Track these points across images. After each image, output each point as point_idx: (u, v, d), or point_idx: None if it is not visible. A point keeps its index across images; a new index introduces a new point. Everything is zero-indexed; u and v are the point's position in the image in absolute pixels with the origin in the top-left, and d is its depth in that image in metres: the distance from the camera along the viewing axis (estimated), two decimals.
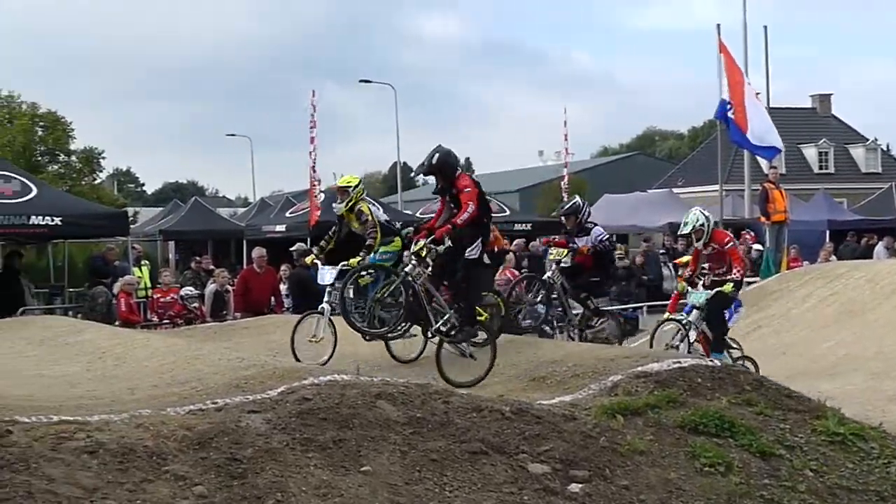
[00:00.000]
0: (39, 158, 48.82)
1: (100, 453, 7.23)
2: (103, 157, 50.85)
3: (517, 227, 32.95)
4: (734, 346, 13.77)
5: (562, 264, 13.87)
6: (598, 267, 13.99)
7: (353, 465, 7.68)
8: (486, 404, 8.68)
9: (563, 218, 14.36)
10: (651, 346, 13.08)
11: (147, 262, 25.09)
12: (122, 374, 10.59)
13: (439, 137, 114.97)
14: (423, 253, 10.49)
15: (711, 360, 12.51)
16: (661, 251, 26.06)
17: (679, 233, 14.32)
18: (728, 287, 13.02)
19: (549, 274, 13.92)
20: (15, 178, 21.79)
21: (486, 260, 11.86)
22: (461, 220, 10.34)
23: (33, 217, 20.60)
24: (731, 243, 13.44)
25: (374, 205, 12.67)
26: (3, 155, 33.85)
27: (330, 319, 11.52)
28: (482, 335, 10.86)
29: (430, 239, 10.47)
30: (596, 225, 14.26)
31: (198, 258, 27.79)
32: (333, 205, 12.71)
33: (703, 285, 13.31)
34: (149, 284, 23.70)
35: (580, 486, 7.93)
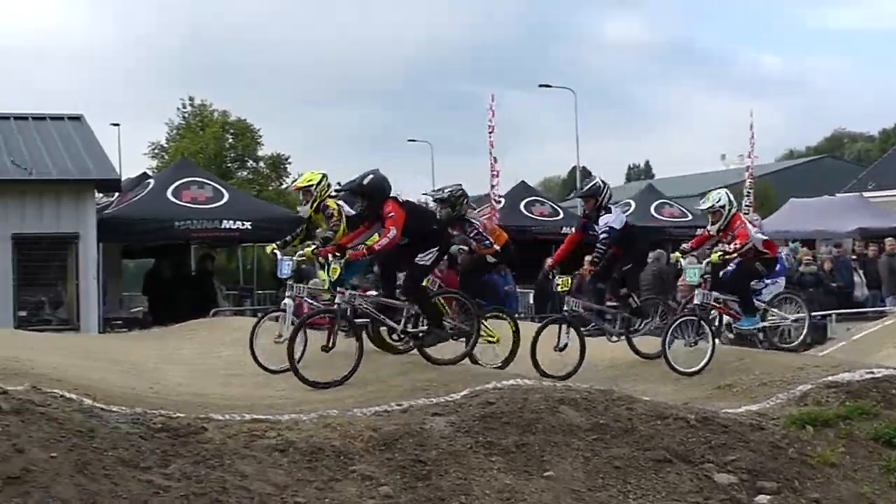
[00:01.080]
0: (229, 164, 50.64)
1: (290, 451, 7.44)
2: (289, 163, 52.36)
3: (699, 231, 32.26)
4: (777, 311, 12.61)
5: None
6: (628, 253, 12.32)
7: (535, 470, 7.68)
8: (670, 412, 8.55)
9: (583, 201, 12.94)
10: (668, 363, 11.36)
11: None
12: None
13: (619, 141, 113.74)
14: (335, 276, 10.49)
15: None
16: (853, 257, 25.07)
17: (699, 207, 13.31)
18: (715, 256, 11.71)
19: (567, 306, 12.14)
20: (208, 184, 22.62)
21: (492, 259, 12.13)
22: (379, 245, 10.19)
23: (225, 221, 21.37)
24: (742, 226, 12.04)
25: (340, 201, 11.73)
26: (196, 161, 35.16)
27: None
28: (453, 332, 10.91)
29: (343, 261, 10.34)
30: (609, 212, 12.33)
31: None
32: (298, 208, 11.86)
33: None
34: None
35: (768, 497, 7.74)
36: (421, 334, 10.63)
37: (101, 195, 22.93)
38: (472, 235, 11.97)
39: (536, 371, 10.96)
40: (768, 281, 13.52)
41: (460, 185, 12.22)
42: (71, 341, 14.56)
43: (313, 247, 11.08)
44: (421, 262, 10.50)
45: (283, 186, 50.99)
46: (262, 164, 52.31)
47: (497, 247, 12.09)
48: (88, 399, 7.61)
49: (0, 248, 20.12)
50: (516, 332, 11.58)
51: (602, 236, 12.00)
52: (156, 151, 52.35)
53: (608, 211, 12.27)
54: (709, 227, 12.24)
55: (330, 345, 10.10)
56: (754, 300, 12.27)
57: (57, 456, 6.82)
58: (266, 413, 8.17)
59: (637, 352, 12.18)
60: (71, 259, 20.15)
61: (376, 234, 10.26)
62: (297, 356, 9.94)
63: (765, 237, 12.77)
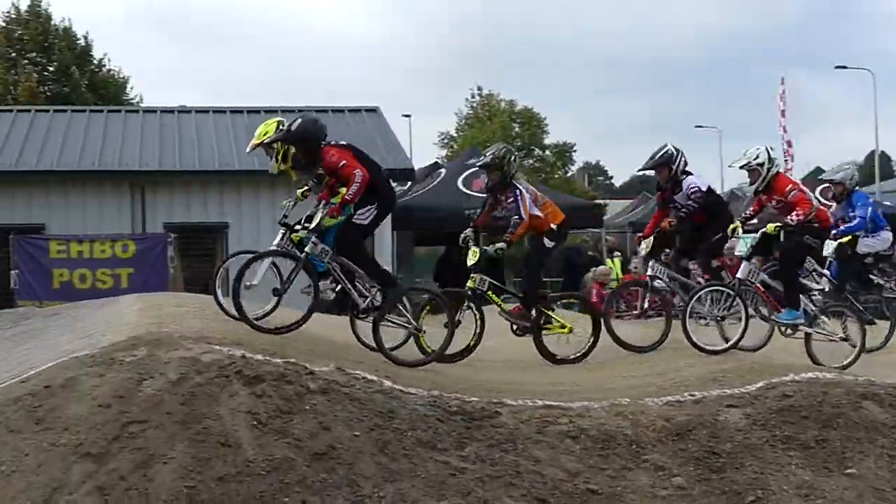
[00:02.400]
0: (516, 153, 51.27)
1: (581, 438, 7.46)
2: (574, 151, 52.55)
3: None
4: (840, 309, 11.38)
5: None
6: (714, 221, 11.22)
7: (836, 467, 7.38)
8: None
9: (654, 172, 11.94)
10: (686, 332, 10.35)
11: (619, 253, 25.51)
12: (601, 363, 10.85)
13: None
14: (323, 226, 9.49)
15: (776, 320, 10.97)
16: None
17: (729, 164, 12.11)
18: (771, 227, 10.58)
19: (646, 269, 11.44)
20: None
21: (549, 242, 10.98)
22: (350, 194, 9.30)
23: None
24: (795, 190, 10.76)
25: None
26: (482, 150, 35.83)
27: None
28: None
29: (320, 218, 9.41)
30: (689, 174, 11.40)
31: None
32: (269, 165, 10.38)
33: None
34: (620, 275, 24.13)
35: None
36: (375, 307, 9.59)
37: (394, 184, 23.74)
38: (508, 202, 10.83)
39: (618, 343, 10.82)
40: (872, 236, 12.74)
41: (504, 144, 11.38)
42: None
43: (304, 188, 9.92)
44: (357, 222, 9.49)
45: (568, 174, 51.17)
46: (547, 152, 52.72)
47: (553, 224, 10.97)
48: (388, 381, 7.89)
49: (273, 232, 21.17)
50: (595, 321, 11.04)
51: (692, 194, 11.20)
52: (445, 141, 53.78)
53: (690, 174, 11.43)
54: (755, 186, 10.99)
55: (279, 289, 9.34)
56: (801, 296, 10.81)
57: (360, 435, 7.12)
58: (557, 399, 8.22)
59: (727, 339, 10.87)
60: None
61: (342, 189, 9.36)
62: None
63: (819, 205, 11.11)
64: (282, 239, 9.53)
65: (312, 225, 9.38)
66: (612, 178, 76.62)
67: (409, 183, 24.20)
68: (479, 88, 53.15)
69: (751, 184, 10.96)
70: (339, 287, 9.68)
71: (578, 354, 10.93)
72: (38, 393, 7.17)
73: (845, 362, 10.53)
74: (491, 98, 52.71)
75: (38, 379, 7.42)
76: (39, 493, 6.52)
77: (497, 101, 52.59)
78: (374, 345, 9.58)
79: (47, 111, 25.66)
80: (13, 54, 40.78)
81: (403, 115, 48.86)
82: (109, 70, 42.57)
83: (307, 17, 77.50)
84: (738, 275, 10.63)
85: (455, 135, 53.45)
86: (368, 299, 9.56)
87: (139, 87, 48.05)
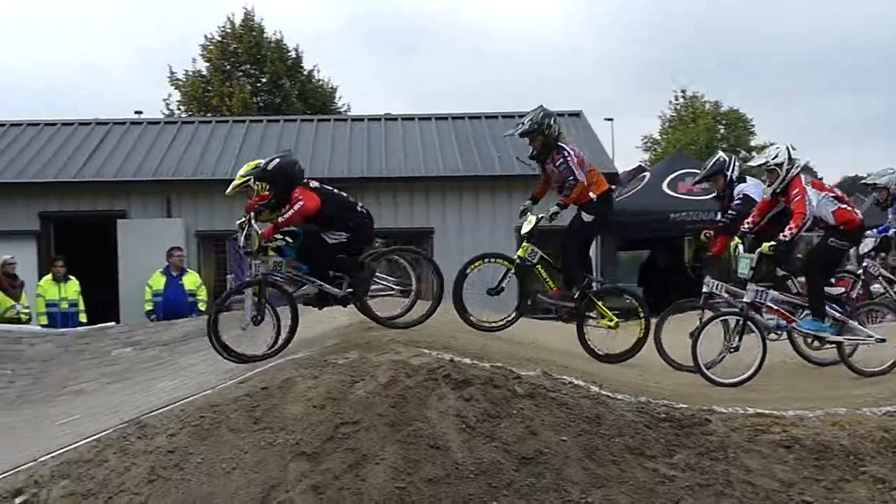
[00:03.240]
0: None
1: (795, 448, 7.25)
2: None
3: None
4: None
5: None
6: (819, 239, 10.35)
7: None
8: None
9: (708, 182, 11.53)
10: (698, 368, 9.71)
11: None
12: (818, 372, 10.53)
13: None
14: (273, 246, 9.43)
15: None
16: None
17: (755, 162, 11.08)
18: (765, 247, 9.75)
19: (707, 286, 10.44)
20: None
21: (587, 217, 10.34)
22: (283, 218, 9.22)
23: (719, 213, 21.14)
24: (798, 196, 9.84)
25: None
26: (688, 153, 35.23)
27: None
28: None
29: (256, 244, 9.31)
30: (743, 181, 10.89)
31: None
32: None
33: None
34: None
35: None
36: (351, 291, 9.46)
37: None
38: (558, 165, 10.28)
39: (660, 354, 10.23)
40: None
41: (541, 107, 10.53)
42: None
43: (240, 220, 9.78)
44: (325, 238, 9.38)
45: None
46: (754, 153, 51.40)
47: (593, 195, 10.35)
48: (595, 386, 7.86)
49: (506, 237, 21.40)
50: (644, 320, 10.41)
51: (735, 203, 10.65)
52: (648, 144, 53.15)
53: (743, 181, 10.86)
54: (767, 192, 10.27)
55: (255, 316, 9.21)
56: (827, 304, 9.97)
57: (567, 440, 7.12)
58: (768, 407, 8.00)
59: (801, 352, 10.37)
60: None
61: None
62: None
63: (838, 206, 10.11)
64: (250, 269, 9.58)
65: (254, 250, 9.33)
66: (821, 179, 74.30)
67: (613, 187, 24.03)
68: (683, 91, 52.38)
69: (768, 185, 10.19)
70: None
71: (622, 352, 10.40)
72: (255, 394, 7.46)
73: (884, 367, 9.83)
74: (695, 100, 51.81)
75: (256, 380, 7.73)
76: (258, 490, 6.79)
77: (701, 102, 51.66)
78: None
79: (260, 121, 26.64)
80: (228, 67, 42.49)
81: (606, 119, 48.62)
82: (318, 80, 43.87)
83: (508, 22, 77.91)
84: (745, 299, 9.94)
85: (658, 137, 52.80)
86: (342, 292, 9.43)
87: (347, 97, 49.37)
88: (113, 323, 16.40)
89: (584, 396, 7.59)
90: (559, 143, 10.25)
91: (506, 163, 22.79)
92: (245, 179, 9.67)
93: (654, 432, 7.33)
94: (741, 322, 9.82)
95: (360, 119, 26.55)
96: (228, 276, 20.31)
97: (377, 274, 9.57)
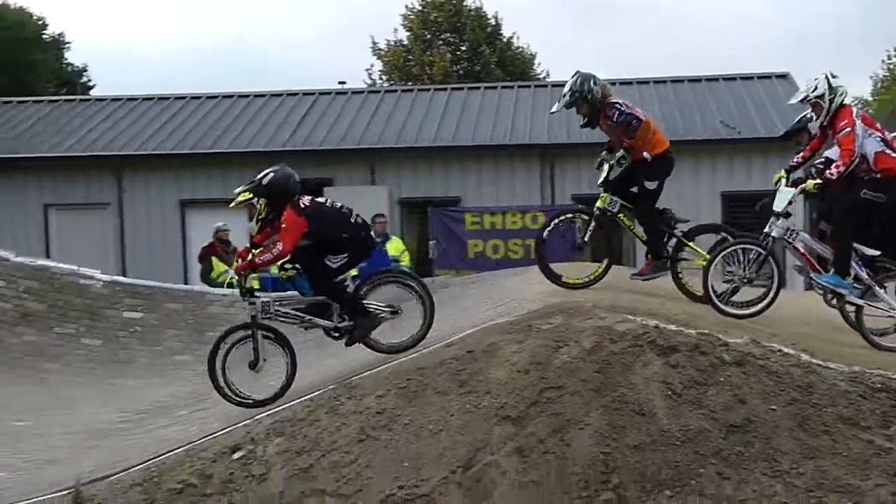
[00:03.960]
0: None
1: None
2: None
3: None
4: None
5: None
6: (853, 189, 9.17)
7: None
8: None
9: (791, 139, 10.49)
10: (707, 292, 9.03)
11: None
12: None
13: None
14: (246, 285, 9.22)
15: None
16: None
17: (790, 100, 9.71)
18: (810, 184, 8.95)
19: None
20: None
21: (650, 184, 9.51)
22: (261, 260, 8.99)
23: None
24: (846, 130, 8.86)
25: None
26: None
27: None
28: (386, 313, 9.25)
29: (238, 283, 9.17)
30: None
31: None
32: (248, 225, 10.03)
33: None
34: None
35: None
36: (349, 329, 9.18)
37: None
38: (616, 119, 9.54)
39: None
40: None
41: (577, 73, 9.79)
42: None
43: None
44: (329, 264, 9.13)
45: None
46: None
47: (647, 154, 9.55)
48: (806, 355, 7.63)
49: (710, 203, 20.98)
50: None
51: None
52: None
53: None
54: (813, 124, 9.49)
55: (251, 361, 8.91)
56: (852, 261, 9.01)
57: (776, 409, 6.95)
58: None
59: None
60: None
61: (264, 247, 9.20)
62: None
63: (883, 149, 9.07)
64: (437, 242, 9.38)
65: (245, 290, 9.21)
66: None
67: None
68: None
69: (815, 120, 9.40)
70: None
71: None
72: (461, 357, 7.56)
73: None
74: None
75: (462, 344, 7.82)
76: (464, 452, 6.90)
77: None
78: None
79: (461, 89, 26.87)
80: (428, 36, 42.98)
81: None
82: (517, 47, 43.87)
83: None
84: (773, 233, 9.19)
85: (870, 98, 50.60)
86: (334, 324, 9.22)
87: (546, 63, 49.23)
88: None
89: (795, 365, 7.37)
90: (608, 101, 9.69)
91: (710, 126, 22.34)
92: (249, 197, 9.42)
93: (869, 403, 7.08)
94: (762, 256, 9.15)
95: (560, 84, 26.44)
96: (430, 242, 20.66)
97: (367, 300, 9.37)
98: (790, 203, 9.15)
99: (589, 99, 9.59)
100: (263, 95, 25.82)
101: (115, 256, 22.33)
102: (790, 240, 9.26)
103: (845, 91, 9.19)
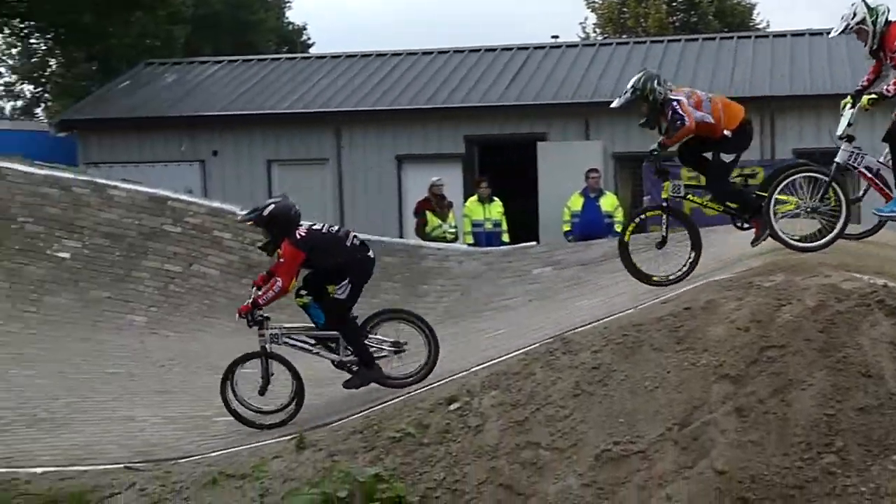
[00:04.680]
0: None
1: None
2: None
3: None
4: None
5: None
6: None
7: None
8: None
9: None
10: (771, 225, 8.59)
11: None
12: None
13: None
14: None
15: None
16: None
17: (831, 33, 9.14)
18: (865, 100, 8.47)
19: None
20: None
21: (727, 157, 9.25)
22: (263, 299, 9.08)
23: None
24: None
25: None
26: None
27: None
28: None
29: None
30: None
31: None
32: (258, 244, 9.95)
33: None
34: None
35: None
36: (350, 370, 9.29)
37: None
38: (671, 119, 9.17)
39: None
40: None
41: (642, 71, 9.54)
42: None
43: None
44: (337, 297, 9.19)
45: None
46: None
47: (727, 131, 9.19)
48: None
49: None
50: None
51: None
52: None
53: None
54: (866, 50, 8.87)
55: (261, 388, 9.10)
56: None
57: None
58: None
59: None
60: None
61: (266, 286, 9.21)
62: None
63: None
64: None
65: (253, 321, 9.24)
66: None
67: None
68: None
69: (864, 46, 8.87)
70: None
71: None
72: (678, 314, 7.43)
73: None
74: None
75: (679, 300, 7.70)
76: (680, 410, 6.80)
77: None
78: None
79: (678, 41, 26.30)
80: None
81: None
82: None
83: None
84: (837, 158, 8.72)
85: None
86: (340, 358, 9.32)
87: (765, 13, 47.54)
88: (534, 243, 16.91)
89: None
90: (669, 97, 9.34)
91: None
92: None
93: None
94: (825, 184, 8.69)
95: (781, 35, 25.54)
96: (645, 198, 20.36)
97: (371, 336, 9.44)
98: (850, 125, 8.79)
99: (650, 99, 9.36)
100: (478, 50, 25.93)
101: (334, 210, 22.93)
102: (855, 164, 8.87)
103: (887, 8, 8.79)
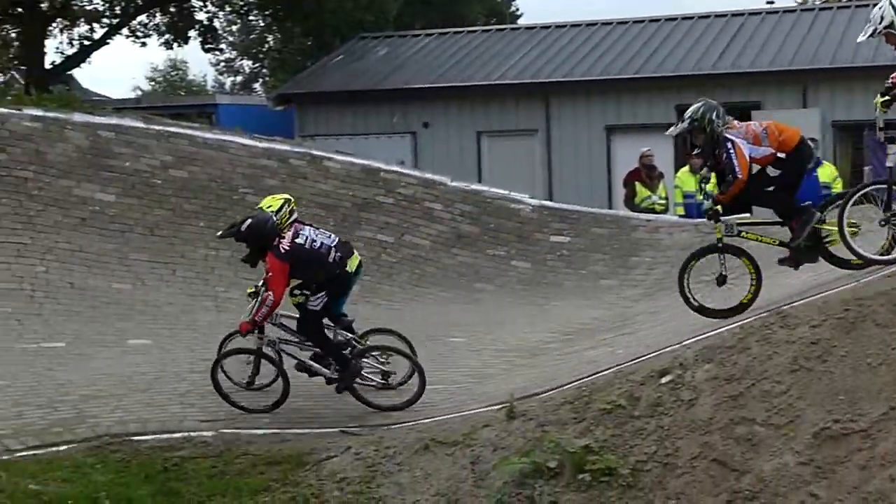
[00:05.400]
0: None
1: None
2: None
3: None
4: None
5: None
6: None
7: None
8: None
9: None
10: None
11: None
12: None
13: None
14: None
15: None
16: None
17: (859, 38, 8.87)
18: (878, 99, 8.48)
19: None
20: None
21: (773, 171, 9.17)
22: (259, 315, 9.24)
23: None
24: None
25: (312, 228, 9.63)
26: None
27: None
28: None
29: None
30: None
31: None
32: None
33: None
34: None
35: None
36: (335, 378, 9.39)
37: None
38: (724, 159, 9.10)
39: None
40: None
41: (703, 101, 9.37)
42: None
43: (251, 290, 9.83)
44: (311, 308, 9.36)
45: None
46: None
47: (780, 153, 9.06)
48: None
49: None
50: None
51: None
52: None
53: None
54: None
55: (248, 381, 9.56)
56: None
57: None
58: None
59: None
60: None
61: (258, 303, 9.37)
62: None
63: None
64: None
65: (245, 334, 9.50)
66: None
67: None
68: None
69: (894, 49, 8.64)
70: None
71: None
72: None
73: None
74: None
75: None
76: None
77: None
78: None
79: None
80: None
81: None
82: None
83: None
84: (888, 163, 8.59)
85: None
86: (330, 374, 9.47)
87: None
88: (746, 214, 16.41)
89: None
90: (724, 135, 9.18)
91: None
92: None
93: None
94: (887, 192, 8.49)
95: None
96: (866, 168, 19.56)
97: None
98: (881, 129, 8.69)
99: (707, 130, 9.28)
100: (690, 18, 25.42)
101: (542, 181, 22.95)
102: None
103: None
